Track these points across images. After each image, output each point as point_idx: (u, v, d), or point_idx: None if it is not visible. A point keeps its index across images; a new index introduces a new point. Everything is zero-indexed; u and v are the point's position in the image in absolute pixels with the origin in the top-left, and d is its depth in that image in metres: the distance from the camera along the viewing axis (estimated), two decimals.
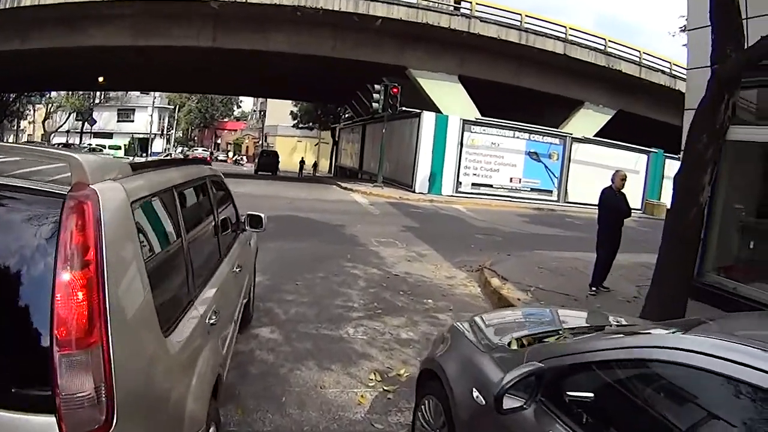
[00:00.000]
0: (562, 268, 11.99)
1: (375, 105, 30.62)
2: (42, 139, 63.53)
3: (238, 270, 5.13)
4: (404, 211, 22.73)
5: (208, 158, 56.49)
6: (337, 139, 60.40)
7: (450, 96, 32.18)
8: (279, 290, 8.91)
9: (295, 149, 76.07)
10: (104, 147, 46.38)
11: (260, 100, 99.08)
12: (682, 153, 9.59)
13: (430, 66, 32.07)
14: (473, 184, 31.55)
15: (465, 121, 31.15)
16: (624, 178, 10.17)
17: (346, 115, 57.02)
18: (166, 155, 62.51)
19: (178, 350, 2.87)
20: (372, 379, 5.78)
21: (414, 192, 30.04)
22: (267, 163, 54.87)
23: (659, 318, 6.08)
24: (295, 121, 66.84)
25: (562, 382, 2.79)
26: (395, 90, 30.09)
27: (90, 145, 46.82)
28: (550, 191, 33.53)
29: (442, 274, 11.31)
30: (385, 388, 5.58)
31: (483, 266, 11.41)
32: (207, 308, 3.51)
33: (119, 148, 46.38)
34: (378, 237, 15.11)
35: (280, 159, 57.82)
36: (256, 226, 6.61)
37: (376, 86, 30.45)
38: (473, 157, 31.43)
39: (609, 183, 10.17)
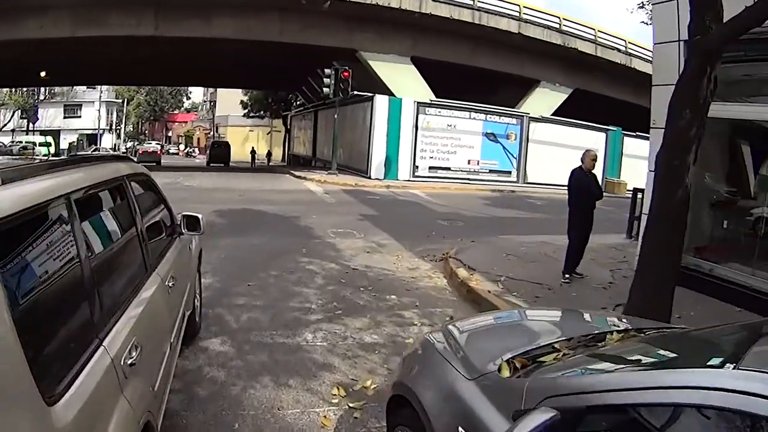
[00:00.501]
0: (531, 254, 11.48)
1: (326, 90, 29.73)
2: None
3: (171, 284, 4.28)
4: (360, 198, 22.10)
5: (159, 152, 57.30)
6: (289, 127, 59.73)
7: (403, 78, 31.49)
8: (230, 294, 8.21)
9: (247, 139, 75.29)
10: (35, 144, 44.33)
11: (210, 90, 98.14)
12: (651, 130, 9.19)
13: (381, 48, 31.34)
14: (430, 168, 30.94)
15: (419, 104, 30.51)
16: (594, 159, 9.63)
17: (298, 103, 55.95)
18: (109, 151, 61.00)
19: (72, 419, 2.03)
20: (336, 395, 5.13)
21: (370, 178, 29.38)
22: (218, 155, 54.07)
23: (644, 308, 5.69)
24: (246, 111, 65.71)
25: (578, 426, 2.20)
26: (346, 74, 29.34)
27: (21, 143, 44.97)
28: (509, 172, 33.08)
29: (404, 265, 10.67)
30: (351, 405, 4.93)
31: (447, 255, 10.84)
32: (122, 346, 2.72)
33: (49, 144, 44.50)
34: (334, 228, 14.46)
35: (231, 150, 56.65)
36: (193, 229, 5.67)
37: (326, 70, 29.65)
38: (429, 140, 30.80)
39: (578, 164, 9.53)
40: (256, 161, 57.00)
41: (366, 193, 23.92)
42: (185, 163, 60.50)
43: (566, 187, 9.67)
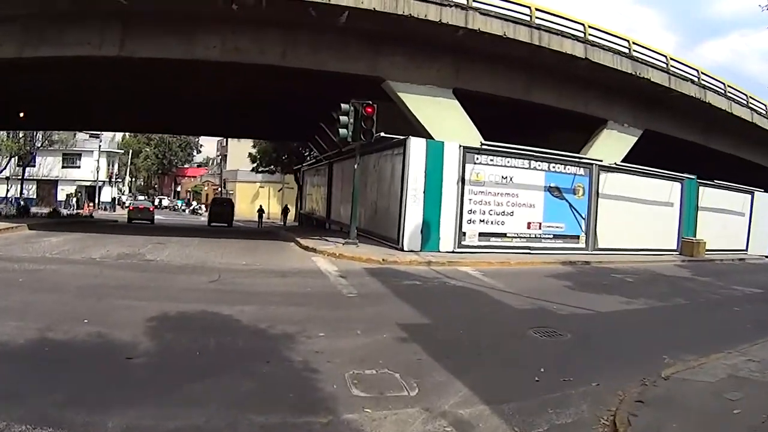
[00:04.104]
0: None
1: (342, 132, 22.45)
2: None
3: None
4: (394, 286, 14.68)
5: (151, 208, 52.02)
6: (301, 182, 53.22)
7: (443, 116, 24.13)
8: None
9: (257, 196, 71.32)
10: None
11: (222, 143, 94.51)
12: None
13: (415, 77, 24.03)
14: (481, 235, 23.32)
15: (466, 149, 23.07)
16: None
17: (312, 155, 49.65)
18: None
19: None
20: None
21: (402, 250, 21.89)
22: (220, 213, 49.03)
23: None
24: (255, 165, 60.09)
25: None
26: (369, 110, 21.96)
27: None
28: (577, 237, 25.76)
29: None
30: None
31: None
32: None
33: None
34: (359, 367, 7.70)
35: (236, 208, 51.68)
36: None
37: (343, 105, 22.41)
38: (480, 197, 23.28)
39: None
40: (263, 222, 51.93)
41: (400, 276, 16.61)
42: (181, 222, 55.31)
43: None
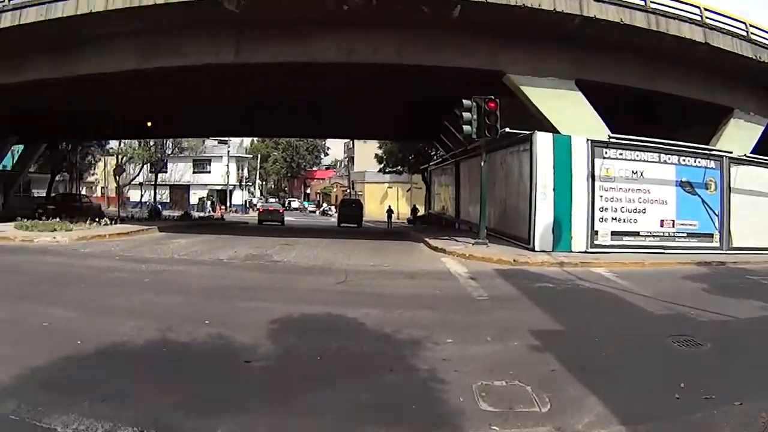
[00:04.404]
0: None
1: (466, 129, 21.91)
2: (116, 193, 60.32)
3: None
4: (525, 288, 14.09)
5: (281, 210, 53.22)
6: (428, 182, 52.77)
7: (567, 109, 23.13)
8: None
9: (386, 196, 71.08)
10: None
11: (349, 145, 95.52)
12: None
13: (535, 69, 23.16)
14: (614, 234, 22.16)
15: (594, 143, 22.06)
16: None
17: (438, 154, 49.05)
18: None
19: None
20: None
21: (533, 250, 21.11)
22: (349, 214, 49.53)
23: None
24: (381, 165, 60.01)
25: None
26: (492, 104, 21.43)
27: None
28: (711, 235, 23.91)
29: None
30: None
31: None
32: None
33: None
34: (487, 377, 7.17)
35: (365, 208, 51.78)
36: None
37: (465, 102, 21.90)
38: (610, 193, 22.15)
39: None
40: (392, 222, 51.99)
41: (531, 277, 15.92)
42: (310, 224, 55.65)
43: None
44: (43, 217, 30.39)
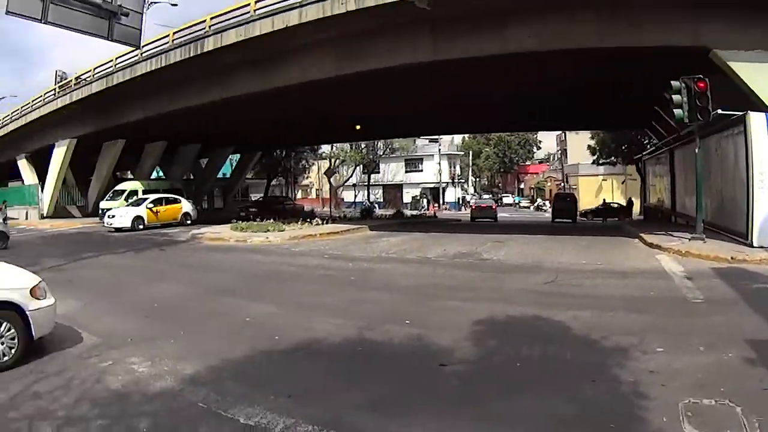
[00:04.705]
0: None
1: (677, 113, 20.25)
2: (330, 194, 62.81)
3: None
4: (743, 290, 12.64)
5: (494, 206, 51.87)
6: (643, 173, 50.25)
7: None
8: None
9: (601, 189, 68.46)
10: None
11: (561, 138, 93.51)
12: None
13: (740, 42, 20.38)
14: None
15: None
16: None
17: (651, 143, 46.63)
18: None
19: None
20: None
21: (751, 246, 18.94)
22: (563, 209, 48.51)
23: None
24: (595, 157, 58.10)
25: None
26: (701, 84, 19.64)
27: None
28: None
29: None
30: None
31: None
32: None
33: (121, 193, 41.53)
34: (698, 395, 6.43)
35: (578, 202, 51.37)
36: None
37: (674, 83, 20.20)
38: None
39: None
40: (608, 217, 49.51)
41: (751, 278, 14.25)
42: (523, 219, 54.68)
43: None
44: (253, 219, 32.18)
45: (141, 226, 34.10)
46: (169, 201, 37.98)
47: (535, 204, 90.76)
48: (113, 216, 34.37)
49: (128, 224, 33.65)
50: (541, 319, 10.05)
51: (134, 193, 40.02)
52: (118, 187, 42.41)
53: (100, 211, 38.94)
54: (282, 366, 7.77)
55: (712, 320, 10.01)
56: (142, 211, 34.98)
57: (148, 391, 6.79)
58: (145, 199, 36.69)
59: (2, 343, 7.71)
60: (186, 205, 39.17)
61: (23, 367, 7.68)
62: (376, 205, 70.45)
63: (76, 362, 8.01)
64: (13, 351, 7.77)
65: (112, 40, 21.20)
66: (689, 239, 21.28)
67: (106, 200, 40.68)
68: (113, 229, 33.21)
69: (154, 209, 35.74)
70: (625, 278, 14.80)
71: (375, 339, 8.90)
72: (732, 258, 17.14)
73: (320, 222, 32.71)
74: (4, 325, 7.74)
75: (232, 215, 37.58)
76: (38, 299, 8.21)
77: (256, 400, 6.37)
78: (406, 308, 11.01)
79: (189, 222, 37.80)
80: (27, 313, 7.94)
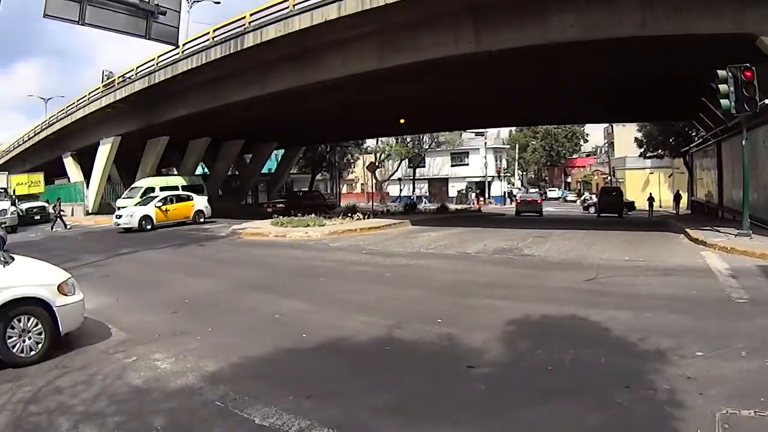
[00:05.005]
0: None
1: (724, 103, 19.52)
2: (375, 188, 62.57)
3: None
4: None
5: (539, 200, 51.14)
6: (690, 166, 49.40)
7: None
8: None
9: (648, 183, 67.38)
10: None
11: (608, 131, 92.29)
12: None
13: None
14: None
15: None
16: None
17: (699, 135, 45.60)
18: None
19: None
20: None
21: None
22: (609, 203, 47.52)
23: None
24: (642, 150, 57.19)
25: None
26: (748, 73, 18.96)
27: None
28: None
29: None
30: None
31: None
32: None
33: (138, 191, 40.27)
34: (737, 404, 6.06)
35: (624, 196, 50.83)
36: None
37: (720, 72, 19.48)
38: None
39: None
40: (654, 209, 48.49)
41: None
42: (569, 214, 54.02)
43: None
44: (282, 214, 32.17)
45: (149, 227, 32.62)
46: (180, 198, 36.63)
47: (582, 197, 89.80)
48: (120, 216, 33.18)
49: (135, 224, 32.27)
50: (577, 319, 9.75)
51: (151, 190, 38.97)
52: (136, 184, 41.65)
53: (116, 209, 37.17)
54: (306, 365, 7.68)
55: (756, 322, 9.48)
56: (150, 210, 33.87)
57: (167, 388, 6.82)
58: (154, 197, 35.57)
59: (29, 338, 7.88)
60: (199, 202, 37.76)
61: (50, 361, 7.83)
62: (424, 200, 70.30)
63: (101, 357, 8.09)
64: (39, 346, 7.96)
65: (149, 39, 21.30)
66: (735, 235, 20.74)
67: (123, 198, 39.90)
68: (122, 230, 32.10)
69: (164, 208, 34.48)
70: (668, 276, 14.33)
71: (404, 338, 8.75)
72: None
73: (361, 217, 32.53)
74: (31, 320, 7.92)
75: (259, 211, 37.18)
76: (66, 295, 8.37)
77: (275, 399, 6.31)
78: (438, 306, 10.82)
79: (202, 220, 36.81)
80: (54, 308, 8.13)
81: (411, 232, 27.38)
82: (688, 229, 24.43)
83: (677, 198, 50.32)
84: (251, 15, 27.64)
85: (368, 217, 33.42)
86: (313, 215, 30.68)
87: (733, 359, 7.53)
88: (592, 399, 6.42)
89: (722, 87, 19.57)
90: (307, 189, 60.71)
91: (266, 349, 8.18)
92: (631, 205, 52.69)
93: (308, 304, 11.31)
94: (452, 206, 56.40)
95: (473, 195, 75.84)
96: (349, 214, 32.50)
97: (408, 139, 73.26)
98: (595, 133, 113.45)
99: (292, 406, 6.13)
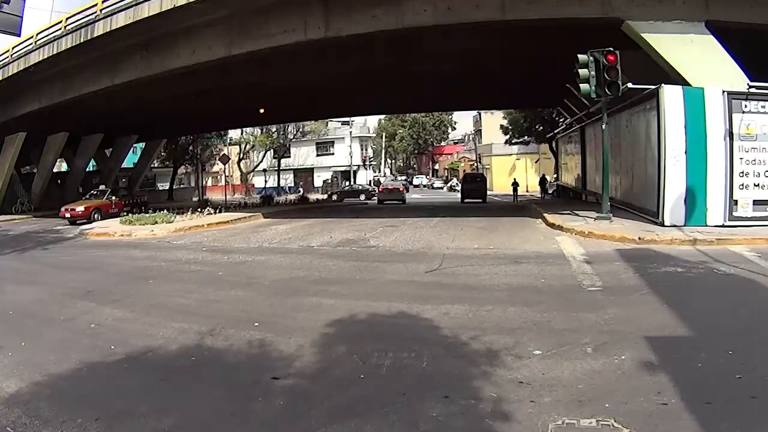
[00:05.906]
0: None
1: (584, 87, 19.34)
2: (241, 181, 60.80)
3: None
4: (648, 276, 11.49)
5: (401, 188, 51.36)
6: (555, 152, 50.46)
7: (698, 56, 19.17)
8: None
9: (514, 169, 69.16)
10: None
11: (476, 119, 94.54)
12: None
13: (657, 12, 19.42)
14: (756, 203, 18.26)
15: (731, 95, 18.24)
16: None
17: (564, 121, 46.09)
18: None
19: None
20: None
21: (662, 225, 18.10)
22: (472, 189, 48.42)
23: None
24: (507, 137, 58.10)
25: None
26: (611, 57, 18.72)
27: None
28: None
29: None
30: None
31: None
32: None
33: None
34: (576, 413, 5.22)
35: (488, 182, 52.10)
36: None
37: (581, 57, 19.28)
38: (752, 155, 18.31)
39: None
40: (518, 196, 49.58)
41: (658, 260, 13.25)
42: (434, 200, 54.78)
43: None
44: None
45: None
46: None
47: (449, 184, 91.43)
48: None
49: None
50: (407, 316, 8.96)
51: None
52: None
53: None
54: (105, 382, 6.86)
55: (607, 313, 8.76)
56: None
57: None
58: None
59: None
60: None
61: None
62: (288, 190, 69.50)
63: None
64: None
65: None
66: (594, 219, 20.64)
67: None
68: None
69: None
70: (517, 264, 13.62)
71: (213, 346, 7.95)
72: (639, 238, 16.23)
73: (212, 211, 31.62)
74: None
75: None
76: None
77: (63, 423, 5.58)
78: (262, 308, 10.12)
79: None
80: None
81: (260, 226, 26.79)
82: (545, 214, 24.31)
83: (542, 182, 51.13)
84: (102, 2, 26.23)
85: (220, 212, 32.51)
86: (165, 212, 29.05)
87: (576, 357, 6.82)
88: (401, 414, 5.47)
89: (582, 72, 19.44)
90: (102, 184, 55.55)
91: (71, 365, 7.32)
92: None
93: (128, 311, 10.27)
94: (313, 197, 55.89)
95: (346, 184, 75.66)
96: (199, 210, 31.12)
97: (273, 129, 72.23)
98: (464, 121, 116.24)
99: (78, 429, 5.46)
